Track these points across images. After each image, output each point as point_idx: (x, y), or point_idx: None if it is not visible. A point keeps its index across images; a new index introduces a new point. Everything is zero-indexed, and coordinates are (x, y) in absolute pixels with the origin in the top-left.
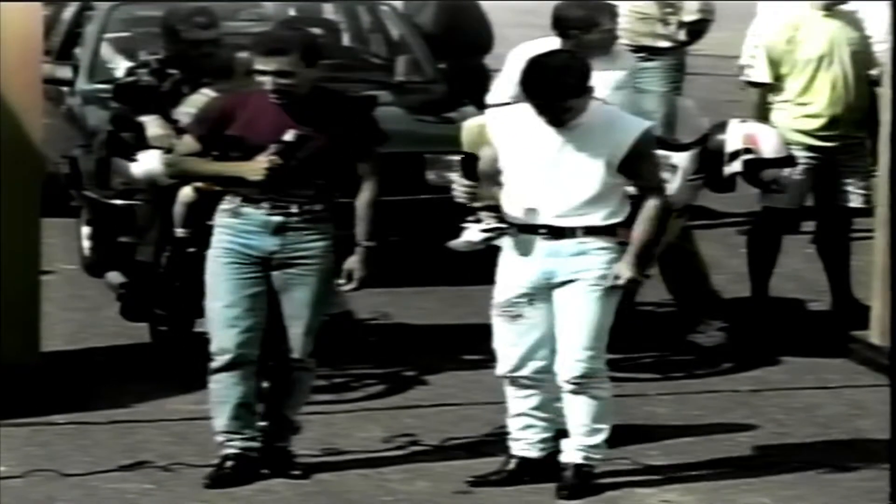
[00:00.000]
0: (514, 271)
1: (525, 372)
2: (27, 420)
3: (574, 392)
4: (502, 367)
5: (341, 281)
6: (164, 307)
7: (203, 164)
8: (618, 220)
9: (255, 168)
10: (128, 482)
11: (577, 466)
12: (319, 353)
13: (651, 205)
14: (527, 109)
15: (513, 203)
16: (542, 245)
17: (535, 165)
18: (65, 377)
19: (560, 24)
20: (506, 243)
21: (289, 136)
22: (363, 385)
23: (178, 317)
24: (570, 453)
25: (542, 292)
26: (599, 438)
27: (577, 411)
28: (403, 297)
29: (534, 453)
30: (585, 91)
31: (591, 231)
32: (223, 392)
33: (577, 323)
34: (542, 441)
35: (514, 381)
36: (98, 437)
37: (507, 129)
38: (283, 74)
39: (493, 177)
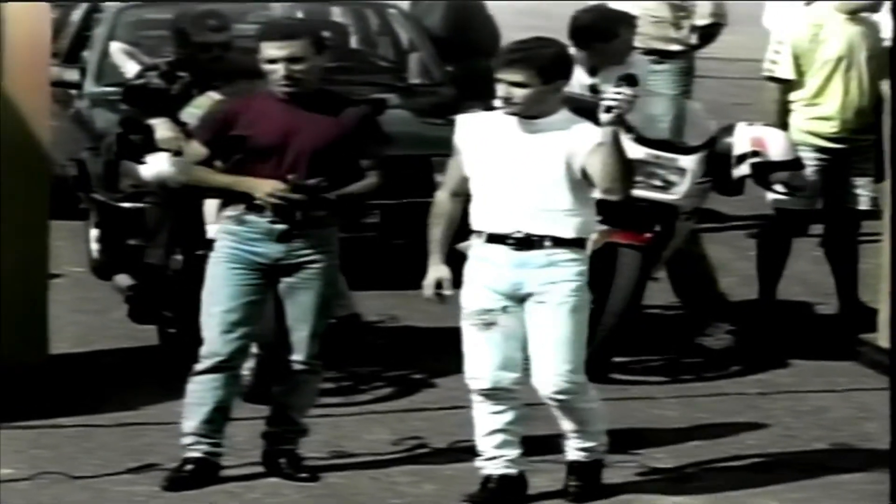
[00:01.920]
0: (483, 280)
1: (503, 384)
2: (35, 422)
3: (558, 408)
4: (479, 382)
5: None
6: (173, 309)
7: (213, 175)
8: (588, 233)
9: (264, 190)
10: (136, 485)
11: (581, 465)
12: (327, 355)
13: None
14: (496, 117)
15: (480, 211)
16: (509, 255)
17: (501, 173)
18: (72, 380)
19: (578, 34)
20: (473, 252)
21: (310, 181)
22: (371, 387)
23: (187, 319)
24: (571, 453)
25: (514, 301)
26: (595, 439)
27: (566, 421)
28: (411, 300)
29: (513, 470)
30: (552, 79)
31: (559, 242)
32: (201, 394)
33: (550, 338)
34: (520, 458)
35: (491, 396)
36: (106, 440)
37: (474, 136)
38: (296, 60)
39: (462, 185)
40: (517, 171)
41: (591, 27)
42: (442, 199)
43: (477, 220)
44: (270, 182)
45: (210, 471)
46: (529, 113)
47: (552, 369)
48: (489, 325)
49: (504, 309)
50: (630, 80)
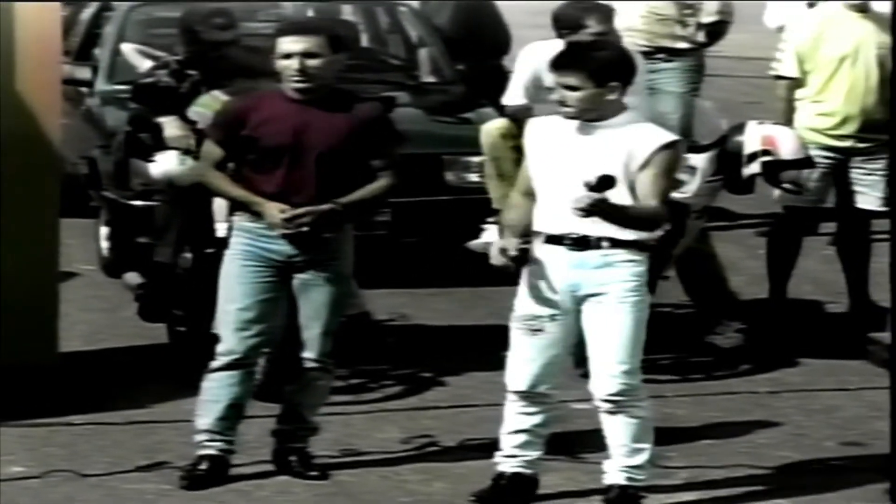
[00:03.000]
0: (538, 283)
1: (539, 389)
2: (45, 420)
3: (611, 412)
4: (516, 383)
5: (287, 213)
6: (182, 308)
7: (227, 186)
8: (648, 234)
9: (276, 217)
10: (146, 483)
11: (622, 488)
12: (337, 353)
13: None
14: (561, 121)
15: (541, 212)
16: (567, 256)
17: (560, 174)
18: (83, 378)
19: (554, 24)
20: (533, 254)
21: (322, 207)
22: (381, 386)
23: (196, 317)
24: (613, 474)
25: (566, 307)
26: (641, 459)
27: (616, 432)
28: (421, 299)
29: (528, 471)
30: (605, 82)
31: (617, 243)
32: (217, 391)
33: (607, 338)
34: (538, 459)
35: (524, 398)
36: (116, 438)
37: (538, 139)
38: (310, 55)
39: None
40: (576, 173)
41: (559, 18)
42: (514, 195)
43: (537, 222)
44: (279, 206)
45: (224, 468)
46: (587, 116)
47: (607, 370)
48: (535, 331)
49: (552, 317)
50: (602, 183)
